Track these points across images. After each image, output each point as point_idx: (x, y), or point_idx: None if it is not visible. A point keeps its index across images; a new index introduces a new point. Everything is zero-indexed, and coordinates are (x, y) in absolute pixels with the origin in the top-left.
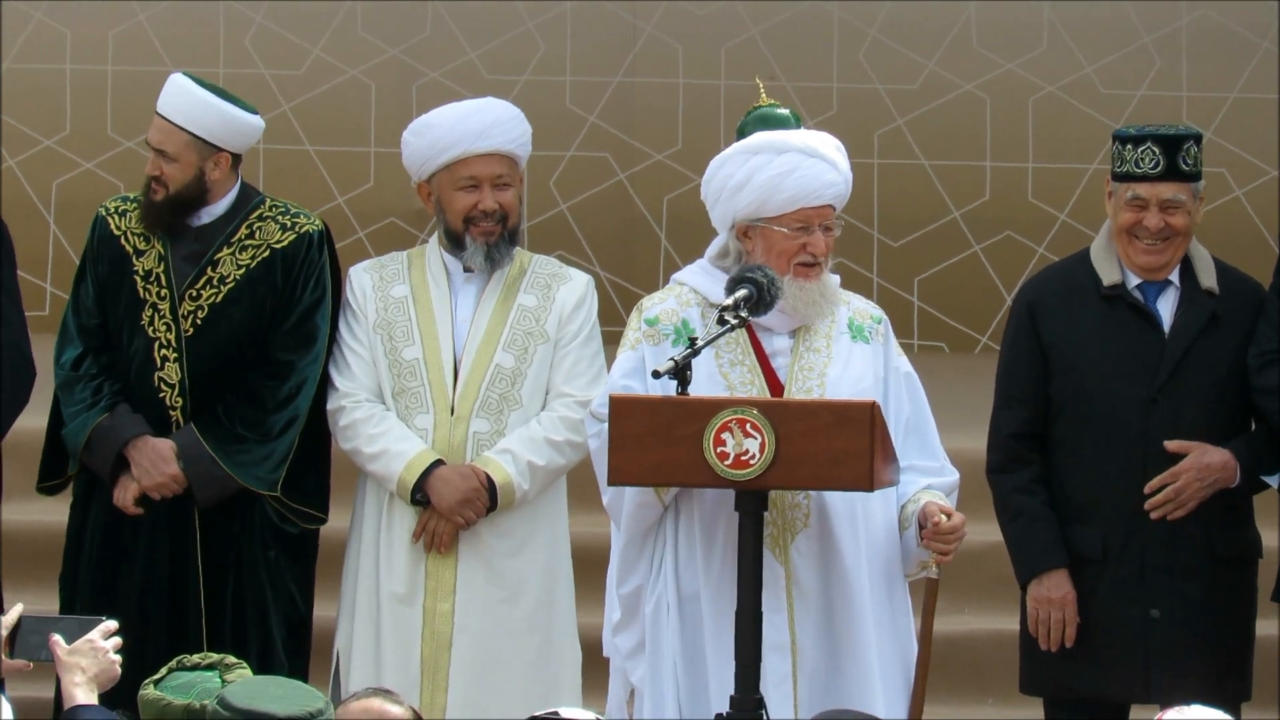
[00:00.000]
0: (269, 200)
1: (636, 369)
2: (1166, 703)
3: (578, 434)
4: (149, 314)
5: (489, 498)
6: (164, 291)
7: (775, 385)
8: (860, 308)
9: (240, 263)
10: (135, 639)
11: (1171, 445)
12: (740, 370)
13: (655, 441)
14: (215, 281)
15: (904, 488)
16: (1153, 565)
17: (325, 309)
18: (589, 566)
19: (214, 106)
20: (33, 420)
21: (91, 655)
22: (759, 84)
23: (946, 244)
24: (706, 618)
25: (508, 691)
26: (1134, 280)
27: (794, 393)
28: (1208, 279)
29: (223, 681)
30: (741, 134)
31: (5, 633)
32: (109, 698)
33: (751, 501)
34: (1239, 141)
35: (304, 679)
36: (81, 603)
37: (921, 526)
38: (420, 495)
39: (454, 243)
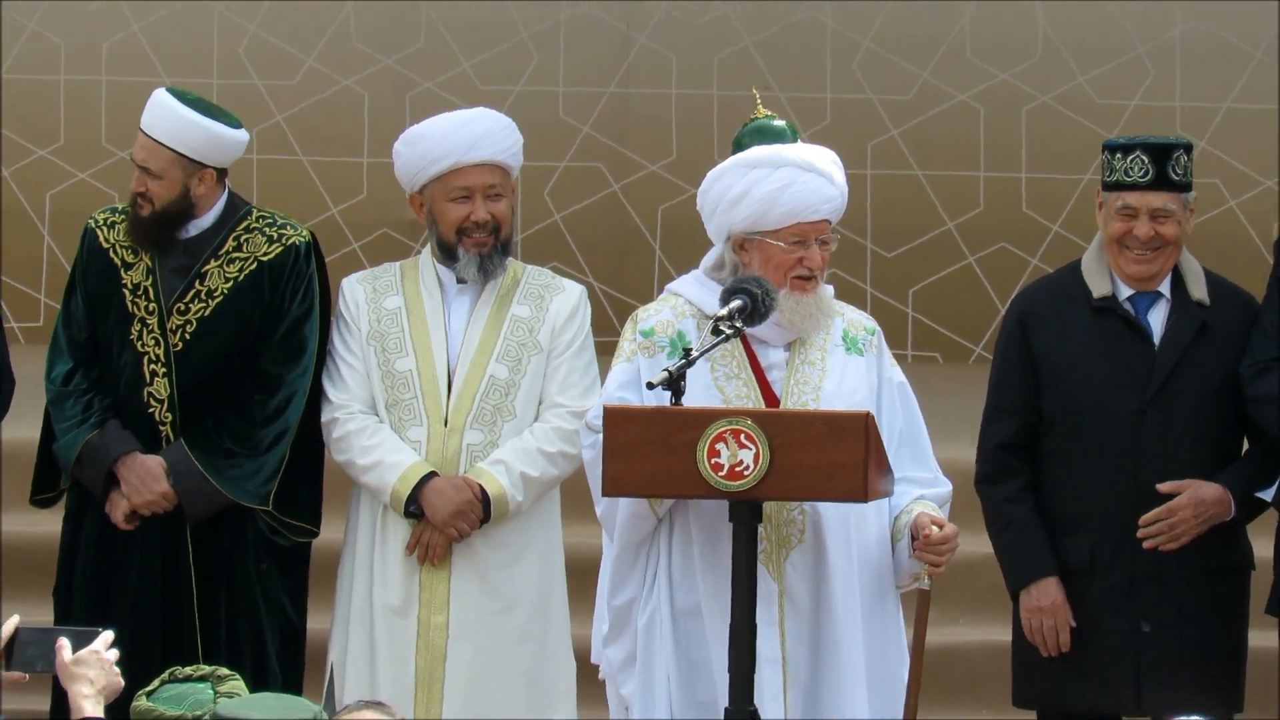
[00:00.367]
0: (256, 211)
1: (632, 380)
2: (1158, 714)
3: (571, 445)
4: (137, 328)
5: (483, 509)
6: (152, 305)
7: (771, 398)
8: (854, 319)
9: (228, 275)
10: (129, 652)
11: (1164, 486)
12: (736, 383)
13: (650, 451)
14: (203, 295)
15: (896, 499)
16: (1142, 576)
17: (313, 321)
18: (583, 577)
19: (197, 124)
20: (29, 431)
21: (99, 666)
22: (755, 95)
23: (940, 255)
24: (710, 631)
25: (502, 703)
26: (1125, 292)
27: (790, 406)
28: (1198, 290)
29: (215, 693)
30: (738, 146)
31: (2, 645)
32: (110, 710)
33: (746, 512)
34: (1233, 152)
35: (298, 691)
36: (76, 615)
37: (914, 538)
38: (414, 507)
39: (447, 254)
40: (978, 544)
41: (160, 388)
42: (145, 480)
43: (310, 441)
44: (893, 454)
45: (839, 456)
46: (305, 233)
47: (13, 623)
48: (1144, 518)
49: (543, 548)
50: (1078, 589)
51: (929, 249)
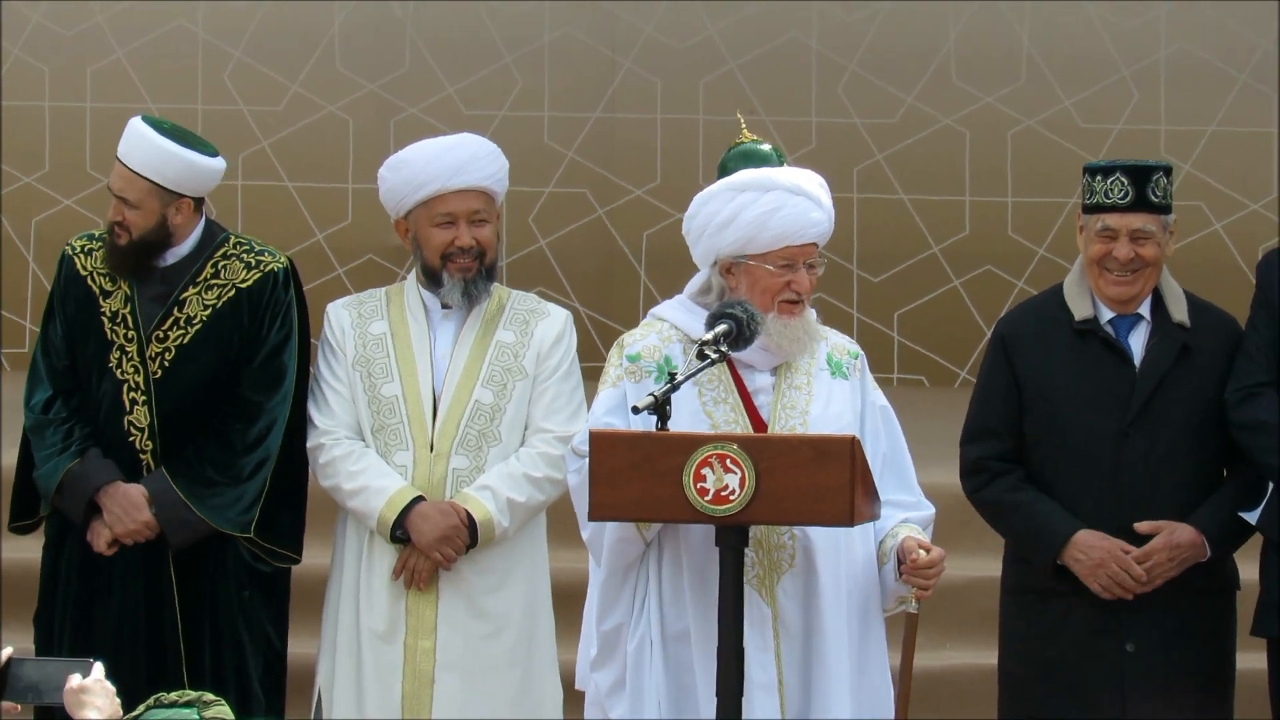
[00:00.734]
0: (234, 238)
1: (618, 406)
2: None
3: (557, 470)
4: (116, 356)
5: (469, 535)
6: (131, 333)
7: (758, 423)
8: (838, 343)
9: (206, 303)
10: (114, 680)
11: (1141, 527)
12: (724, 408)
13: (636, 476)
14: (182, 323)
15: (881, 522)
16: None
17: (292, 347)
18: (569, 601)
19: (173, 154)
20: (7, 458)
21: (104, 695)
22: (740, 119)
23: (926, 278)
24: (697, 657)
25: None
26: (1106, 314)
27: (777, 430)
28: (1179, 312)
29: (201, 718)
30: (724, 170)
31: None
32: None
33: (732, 537)
34: (1217, 175)
35: (280, 717)
36: (58, 641)
37: (900, 561)
38: (400, 532)
39: (431, 279)
40: (965, 568)
41: (140, 416)
42: (128, 509)
43: (291, 468)
44: (877, 477)
45: (825, 480)
46: (283, 259)
47: (5, 654)
48: (1118, 561)
49: (529, 572)
50: (1061, 610)
51: (914, 273)
